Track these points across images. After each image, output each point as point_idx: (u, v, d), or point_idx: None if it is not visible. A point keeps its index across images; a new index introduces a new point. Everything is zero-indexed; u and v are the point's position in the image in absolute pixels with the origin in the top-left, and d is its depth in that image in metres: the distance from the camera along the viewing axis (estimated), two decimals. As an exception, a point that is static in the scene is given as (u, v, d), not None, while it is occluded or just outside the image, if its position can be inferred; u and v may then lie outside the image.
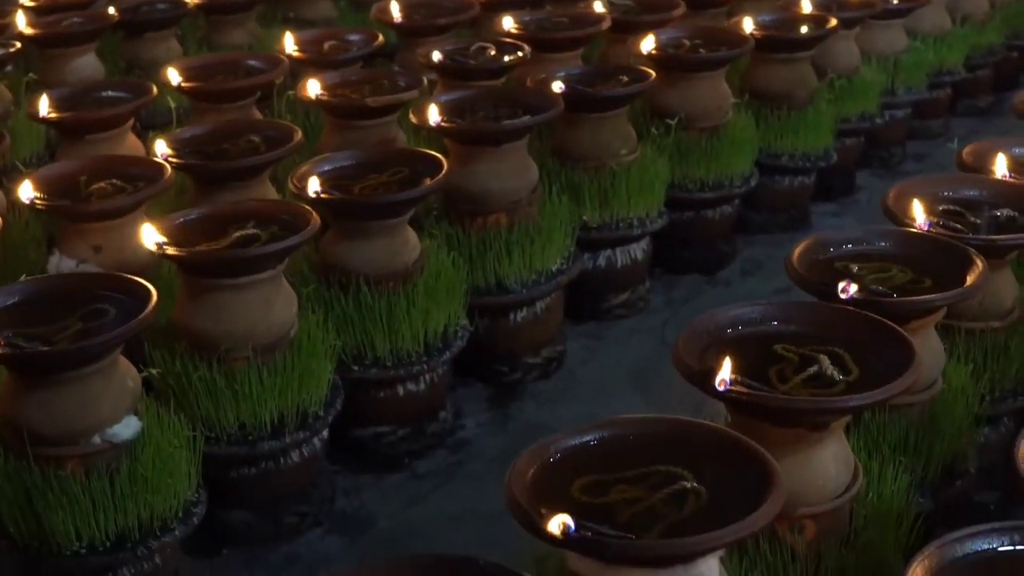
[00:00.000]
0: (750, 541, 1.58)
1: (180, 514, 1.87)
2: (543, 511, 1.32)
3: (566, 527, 1.29)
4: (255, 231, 2.04)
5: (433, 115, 2.40)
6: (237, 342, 1.99)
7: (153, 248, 1.96)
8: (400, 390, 2.28)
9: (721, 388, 1.52)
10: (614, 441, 1.46)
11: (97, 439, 1.79)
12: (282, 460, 2.09)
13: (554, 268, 2.48)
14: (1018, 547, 1.29)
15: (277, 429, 2.03)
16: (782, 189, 3.12)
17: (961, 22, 3.83)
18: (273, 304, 2.02)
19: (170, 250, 1.96)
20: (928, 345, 1.84)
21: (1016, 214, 2.06)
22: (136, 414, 1.84)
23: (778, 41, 3.01)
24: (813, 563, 1.59)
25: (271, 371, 2.01)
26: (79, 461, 1.79)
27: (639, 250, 2.72)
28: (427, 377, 2.29)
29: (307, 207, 2.09)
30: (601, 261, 2.70)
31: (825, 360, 1.62)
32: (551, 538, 1.29)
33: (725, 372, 1.53)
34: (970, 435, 1.89)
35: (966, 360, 1.96)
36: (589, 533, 1.30)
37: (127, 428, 1.82)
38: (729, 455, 1.41)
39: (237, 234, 2.03)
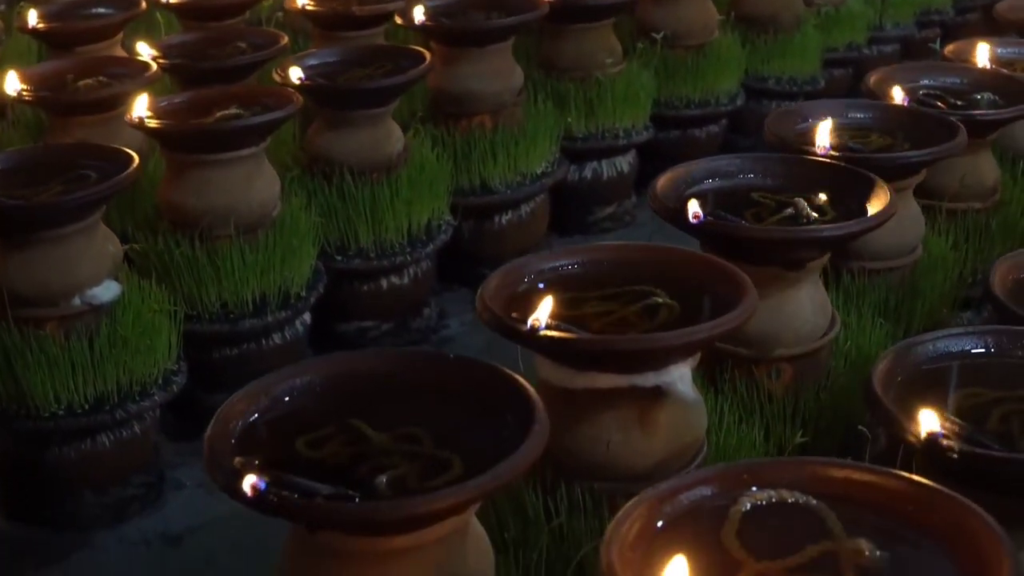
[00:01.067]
0: (727, 383, 1.58)
1: (160, 381, 1.87)
2: (514, 314, 1.33)
3: (537, 324, 1.29)
4: (238, 111, 2.05)
5: (419, 15, 2.41)
6: (219, 219, 2.00)
7: (136, 123, 1.97)
8: (384, 283, 2.28)
9: (695, 221, 1.53)
10: (588, 265, 1.47)
11: (77, 300, 1.80)
12: (264, 342, 2.09)
13: (539, 171, 2.48)
14: (991, 350, 1.29)
15: (259, 308, 2.04)
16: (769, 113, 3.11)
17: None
18: (255, 182, 2.03)
19: (152, 124, 1.96)
20: (908, 211, 1.84)
21: (996, 98, 2.06)
22: (116, 280, 1.84)
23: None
24: (790, 405, 1.59)
25: (253, 249, 2.02)
26: (58, 322, 1.80)
27: (625, 163, 2.73)
28: (411, 271, 2.29)
29: (290, 90, 2.09)
30: (587, 173, 2.70)
31: (801, 203, 1.61)
32: (521, 336, 1.29)
33: (696, 206, 1.54)
34: (950, 300, 1.89)
35: (947, 236, 1.97)
36: (560, 332, 1.30)
37: (107, 291, 1.82)
38: (702, 275, 1.41)
39: (220, 114, 2.04)
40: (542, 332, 1.29)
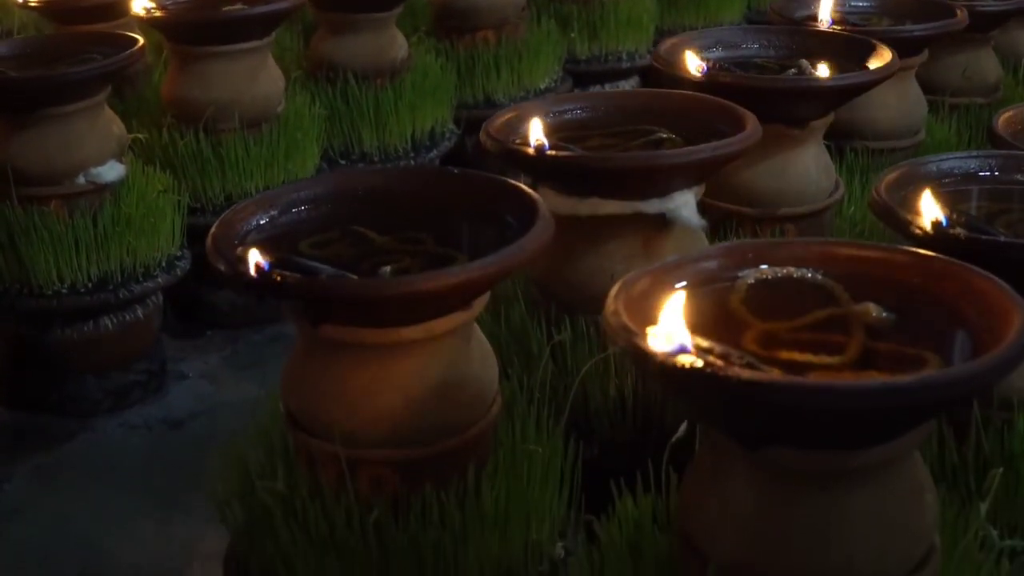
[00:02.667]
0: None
1: (163, 264, 1.87)
2: (517, 140, 1.33)
3: (541, 143, 1.29)
4: (243, 6, 2.05)
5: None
6: (223, 111, 2.00)
7: (142, 15, 1.97)
8: (388, 189, 2.27)
9: (698, 73, 1.53)
10: (590, 110, 1.48)
11: (81, 179, 1.80)
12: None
13: (542, 86, 2.49)
14: (996, 173, 1.29)
15: (264, 201, 2.03)
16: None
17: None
18: (259, 76, 2.03)
19: (157, 13, 1.96)
20: (910, 92, 1.85)
21: (999, -3, 2.06)
22: (121, 162, 1.84)
23: None
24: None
25: (257, 142, 2.02)
26: (62, 201, 1.79)
27: (628, 87, 2.73)
28: (415, 177, 2.29)
29: (295, -14, 2.10)
30: (591, 95, 2.70)
31: (805, 63, 1.62)
32: (525, 160, 1.29)
33: (695, 58, 1.54)
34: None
35: (950, 125, 1.97)
36: (564, 152, 1.30)
37: (112, 170, 1.82)
38: (704, 113, 1.42)
39: (226, 8, 2.04)
40: (547, 152, 1.29)
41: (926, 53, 1.83)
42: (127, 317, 1.86)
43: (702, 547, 0.93)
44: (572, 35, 2.58)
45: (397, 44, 2.26)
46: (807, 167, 1.59)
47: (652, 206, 1.31)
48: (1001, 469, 1.05)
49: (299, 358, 1.15)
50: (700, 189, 1.36)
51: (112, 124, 1.83)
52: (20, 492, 1.70)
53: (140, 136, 1.99)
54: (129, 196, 1.82)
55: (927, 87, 1.92)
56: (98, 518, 1.64)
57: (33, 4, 2.16)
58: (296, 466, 1.17)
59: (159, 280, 1.85)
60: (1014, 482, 1.13)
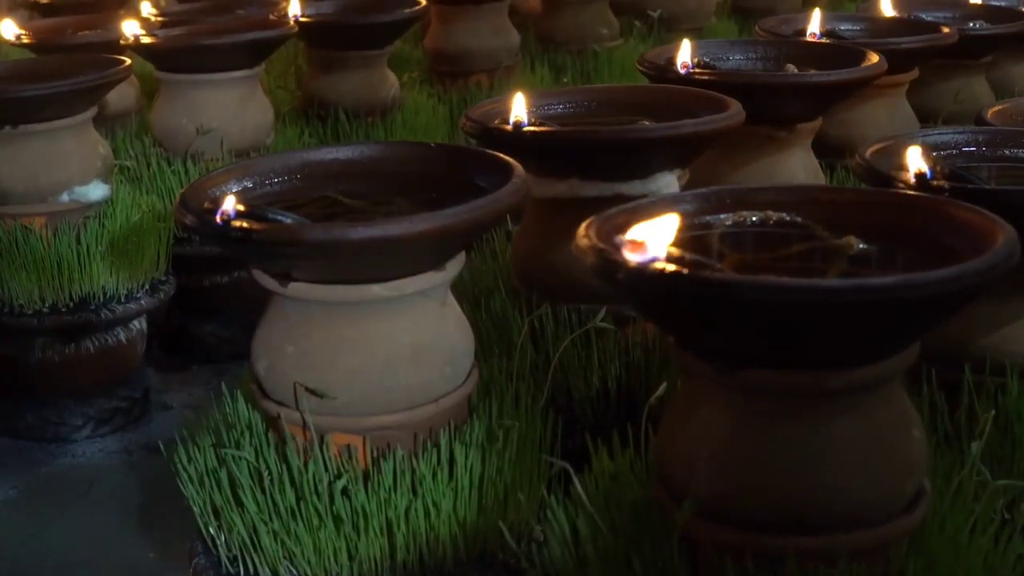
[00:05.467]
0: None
1: (147, 287, 1.84)
2: (497, 122, 1.31)
3: (520, 120, 1.27)
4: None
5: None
6: (210, 139, 1.98)
7: (131, 41, 1.97)
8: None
9: (683, 71, 1.51)
10: (575, 105, 1.46)
11: (65, 197, 1.78)
12: (256, 270, 2.06)
13: (535, 131, 2.47)
14: (983, 148, 1.27)
15: (250, 231, 2.01)
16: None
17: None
18: (248, 106, 2.01)
19: (145, 40, 1.96)
20: (901, 111, 1.85)
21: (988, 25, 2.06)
22: (106, 182, 1.83)
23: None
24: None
25: (245, 171, 1.99)
26: (46, 219, 1.77)
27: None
28: (405, 215, 2.27)
29: (286, 19, 2.10)
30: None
31: (792, 67, 1.60)
32: (505, 138, 1.27)
33: (685, 55, 1.53)
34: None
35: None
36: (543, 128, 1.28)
37: (96, 190, 1.80)
38: (687, 105, 1.39)
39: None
40: (526, 128, 1.27)
41: (916, 72, 1.82)
42: (109, 340, 1.83)
43: (678, 483, 0.89)
44: (565, 81, 2.57)
45: (388, 82, 2.26)
46: (794, 172, 1.56)
47: (634, 188, 1.29)
48: (993, 412, 1.01)
49: (267, 323, 1.12)
50: (684, 175, 1.34)
51: (98, 144, 1.82)
52: (-5, 512, 1.66)
53: (128, 164, 1.97)
54: (114, 217, 1.80)
55: (920, 113, 1.91)
56: (74, 535, 1.60)
57: (25, 41, 2.16)
58: (265, 435, 1.13)
59: (142, 303, 1.82)
60: (1009, 448, 1.09)
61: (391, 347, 1.09)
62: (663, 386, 1.07)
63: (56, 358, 1.80)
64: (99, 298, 1.78)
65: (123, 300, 1.80)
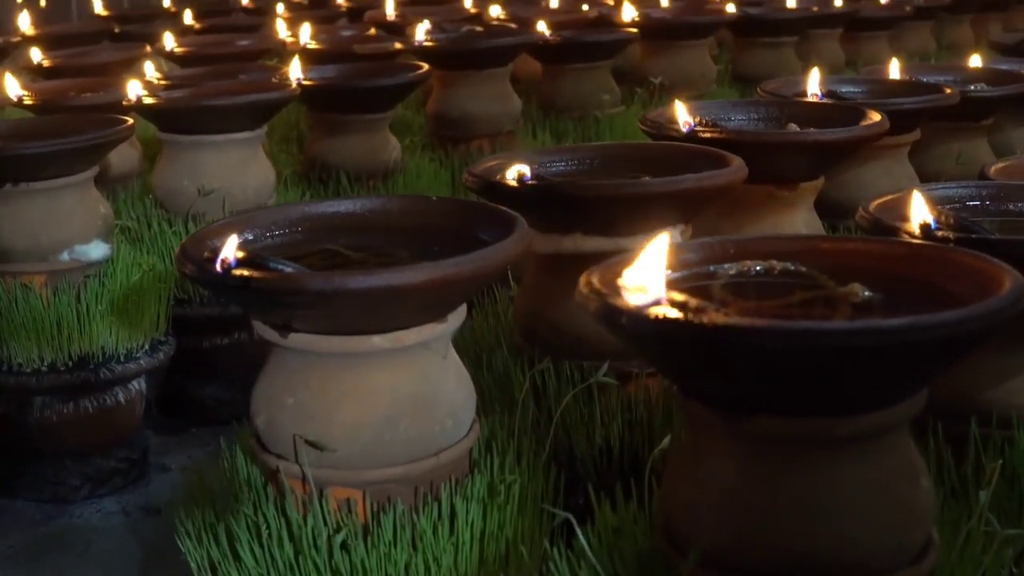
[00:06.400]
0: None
1: (147, 347, 1.84)
2: (499, 177, 1.31)
3: (522, 175, 1.27)
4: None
5: (418, 36, 2.44)
6: (211, 201, 1.98)
7: (132, 102, 1.97)
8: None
9: (685, 129, 1.51)
10: (574, 162, 1.46)
11: (65, 256, 1.78)
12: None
13: (537, 195, 2.47)
14: (987, 202, 1.26)
15: (252, 293, 2.01)
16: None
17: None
18: (249, 168, 2.01)
19: (148, 100, 1.97)
20: (902, 171, 1.85)
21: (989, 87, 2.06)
22: (106, 242, 1.82)
23: (761, 22, 3.06)
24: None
25: (246, 232, 1.99)
26: (46, 278, 1.77)
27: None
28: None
29: (288, 82, 2.11)
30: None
31: (793, 126, 1.60)
32: (507, 192, 1.27)
33: (687, 114, 1.53)
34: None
35: (945, 213, 1.95)
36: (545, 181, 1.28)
37: (97, 249, 1.80)
38: (688, 161, 1.39)
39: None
40: (528, 182, 1.26)
41: (918, 132, 1.82)
42: (108, 400, 1.81)
43: (682, 533, 0.88)
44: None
45: (390, 146, 2.26)
46: (797, 231, 1.56)
47: (636, 244, 1.27)
48: (1000, 461, 0.99)
49: (267, 375, 1.12)
50: (687, 231, 1.34)
51: (99, 203, 1.82)
52: (-9, 573, 1.65)
53: (129, 224, 1.97)
54: (114, 276, 1.80)
55: (922, 175, 1.91)
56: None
57: (28, 102, 2.17)
58: (264, 489, 1.12)
59: (142, 363, 1.81)
60: (1016, 502, 1.07)
61: (392, 399, 1.07)
62: (667, 439, 1.06)
63: (54, 417, 1.79)
64: (98, 357, 1.77)
65: (122, 360, 1.80)
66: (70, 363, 1.76)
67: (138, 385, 1.86)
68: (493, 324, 1.50)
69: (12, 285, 1.75)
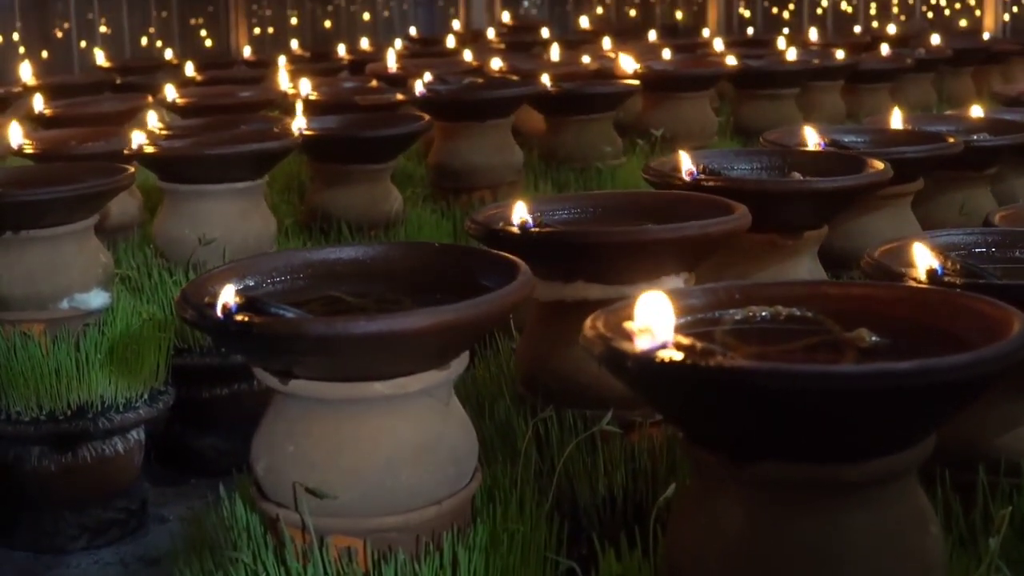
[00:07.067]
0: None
1: (146, 396, 1.82)
2: (501, 223, 1.30)
3: (525, 222, 1.27)
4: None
5: (419, 89, 2.45)
6: (212, 250, 1.98)
7: (134, 151, 1.97)
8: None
9: (688, 177, 1.51)
10: (576, 211, 1.46)
11: (65, 304, 1.77)
12: (256, 382, 2.03)
13: (539, 246, 2.47)
14: (992, 249, 1.26)
15: (252, 342, 2.00)
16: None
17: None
18: (250, 217, 2.01)
19: (149, 149, 1.97)
20: (906, 221, 1.84)
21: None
22: (106, 290, 1.82)
23: (762, 75, 3.07)
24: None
25: (247, 282, 1.99)
26: (45, 326, 1.76)
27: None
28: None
29: (289, 131, 2.11)
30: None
31: (797, 175, 1.60)
32: (511, 239, 1.26)
33: (691, 163, 1.52)
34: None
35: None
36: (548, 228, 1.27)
37: (97, 297, 1.80)
38: (692, 210, 1.39)
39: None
40: (530, 230, 1.26)
41: (921, 182, 1.82)
42: (106, 450, 1.80)
43: (689, 580, 0.86)
44: (569, 197, 2.58)
45: (392, 197, 2.26)
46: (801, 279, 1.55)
47: (640, 292, 1.26)
48: (1010, 508, 0.98)
49: (267, 422, 1.10)
50: (690, 279, 1.33)
51: (99, 252, 1.82)
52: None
53: (129, 273, 1.96)
54: (114, 325, 1.79)
55: (925, 225, 1.89)
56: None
57: (28, 152, 2.16)
58: (263, 537, 1.10)
59: (141, 412, 1.80)
60: (1026, 552, 1.06)
61: (393, 447, 1.06)
62: (671, 487, 1.04)
63: (52, 467, 1.78)
64: (97, 407, 1.76)
65: (121, 409, 1.78)
66: (68, 412, 1.75)
67: (137, 435, 1.85)
68: (495, 374, 1.49)
69: (11, 333, 1.75)
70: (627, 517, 1.27)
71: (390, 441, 1.06)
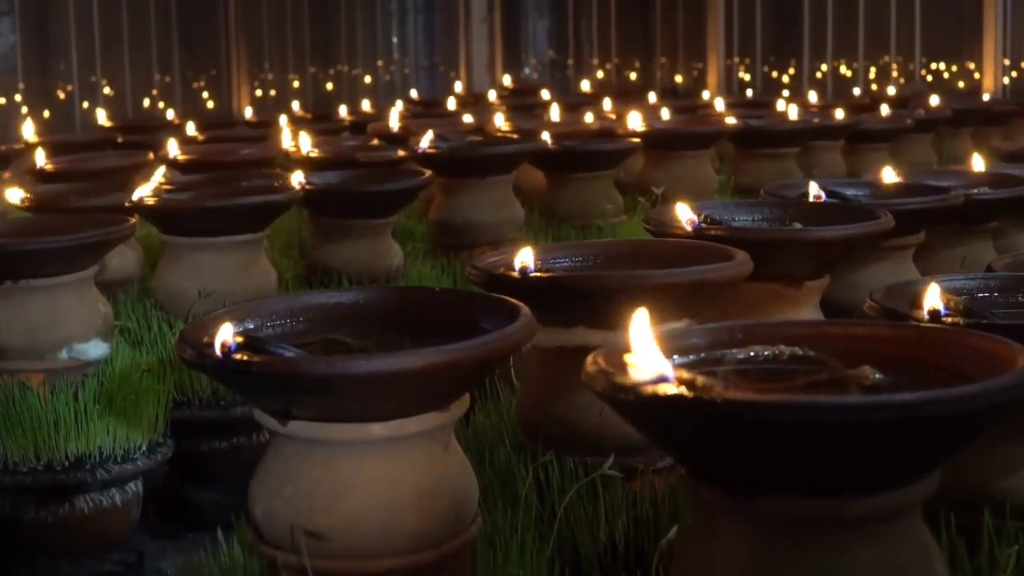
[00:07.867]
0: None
1: (144, 448, 1.81)
2: (501, 268, 1.30)
3: (526, 266, 1.26)
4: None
5: (420, 143, 2.46)
6: (212, 302, 1.97)
7: (134, 203, 1.97)
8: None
9: (690, 227, 1.51)
10: (583, 259, 1.46)
11: (64, 354, 1.77)
12: (256, 435, 2.03)
13: (540, 301, 2.47)
14: (995, 294, 1.26)
15: (251, 396, 1.99)
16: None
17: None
18: (251, 270, 2.01)
19: (148, 201, 1.97)
20: (907, 274, 1.83)
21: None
22: (106, 341, 1.81)
23: (763, 134, 3.08)
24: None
25: (247, 334, 1.98)
26: (44, 376, 1.76)
27: (626, 310, 2.71)
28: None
29: (290, 185, 2.11)
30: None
31: (798, 226, 1.60)
32: (511, 284, 1.26)
33: (692, 213, 1.53)
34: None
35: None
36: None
37: (96, 348, 1.80)
38: (693, 258, 1.39)
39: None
40: (531, 275, 1.26)
41: (923, 235, 1.82)
42: (104, 501, 1.79)
43: (692, 620, 0.85)
44: (569, 251, 2.57)
45: (392, 252, 2.26)
46: (803, 328, 1.54)
47: (641, 337, 1.26)
48: (1016, 547, 0.97)
49: (266, 465, 1.09)
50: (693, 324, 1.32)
51: (98, 302, 1.82)
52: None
53: (129, 325, 1.96)
54: (113, 376, 1.78)
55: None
56: None
57: (29, 204, 2.17)
58: (261, 581, 1.09)
59: (139, 464, 1.79)
60: (1033, 597, 1.05)
61: (392, 490, 1.05)
62: (674, 529, 1.03)
63: (49, 518, 1.76)
64: (95, 457, 1.75)
65: (119, 460, 1.77)
66: (66, 463, 1.74)
67: (135, 487, 1.83)
68: (495, 422, 1.48)
69: (10, 382, 1.74)
70: (628, 564, 1.26)
71: (389, 483, 1.05)
